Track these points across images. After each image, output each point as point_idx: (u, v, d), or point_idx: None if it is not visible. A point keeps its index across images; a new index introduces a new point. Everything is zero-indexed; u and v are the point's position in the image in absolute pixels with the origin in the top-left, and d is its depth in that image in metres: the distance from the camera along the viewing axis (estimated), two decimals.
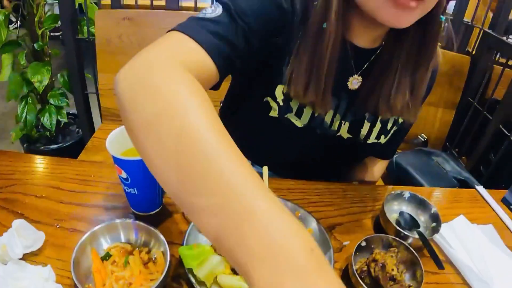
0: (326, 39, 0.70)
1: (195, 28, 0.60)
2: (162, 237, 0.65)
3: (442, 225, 0.82)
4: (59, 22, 1.77)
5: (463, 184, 1.54)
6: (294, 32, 0.75)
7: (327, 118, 0.86)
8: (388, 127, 0.91)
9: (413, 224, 0.85)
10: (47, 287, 0.61)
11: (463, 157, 1.93)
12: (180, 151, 0.41)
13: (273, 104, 0.83)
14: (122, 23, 1.54)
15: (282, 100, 0.82)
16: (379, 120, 0.88)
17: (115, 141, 0.70)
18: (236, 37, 0.64)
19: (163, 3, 1.59)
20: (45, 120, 1.87)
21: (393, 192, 0.86)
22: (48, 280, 0.62)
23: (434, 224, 0.84)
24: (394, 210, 0.87)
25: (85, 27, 1.70)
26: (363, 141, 0.91)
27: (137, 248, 0.68)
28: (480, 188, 1.07)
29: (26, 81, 1.85)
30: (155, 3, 1.61)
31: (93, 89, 1.79)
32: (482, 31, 1.86)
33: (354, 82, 0.83)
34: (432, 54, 0.76)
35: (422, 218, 0.87)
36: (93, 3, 1.76)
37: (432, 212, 0.85)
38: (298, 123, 0.85)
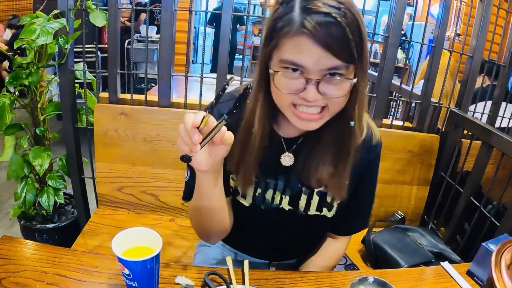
0: (253, 136, 0.88)
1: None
2: None
3: None
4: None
5: (439, 256, 1.61)
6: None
7: (268, 196, 1.01)
8: (329, 201, 1.01)
9: None
10: None
11: (442, 228, 1.99)
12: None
13: None
14: (118, 117, 1.68)
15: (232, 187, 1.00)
16: (315, 193, 1.00)
17: (119, 241, 0.81)
18: None
19: (155, 98, 1.75)
20: (43, 200, 1.95)
21: (358, 277, 0.96)
22: None
23: None
24: None
25: (84, 116, 1.86)
26: (304, 212, 1.02)
27: None
28: (445, 264, 1.14)
29: (27, 163, 1.96)
30: (148, 98, 1.76)
31: (89, 173, 1.91)
32: (448, 110, 2.01)
33: (287, 159, 0.97)
34: (350, 149, 0.90)
35: None
36: (91, 94, 1.92)
37: None
38: (245, 203, 1.02)
